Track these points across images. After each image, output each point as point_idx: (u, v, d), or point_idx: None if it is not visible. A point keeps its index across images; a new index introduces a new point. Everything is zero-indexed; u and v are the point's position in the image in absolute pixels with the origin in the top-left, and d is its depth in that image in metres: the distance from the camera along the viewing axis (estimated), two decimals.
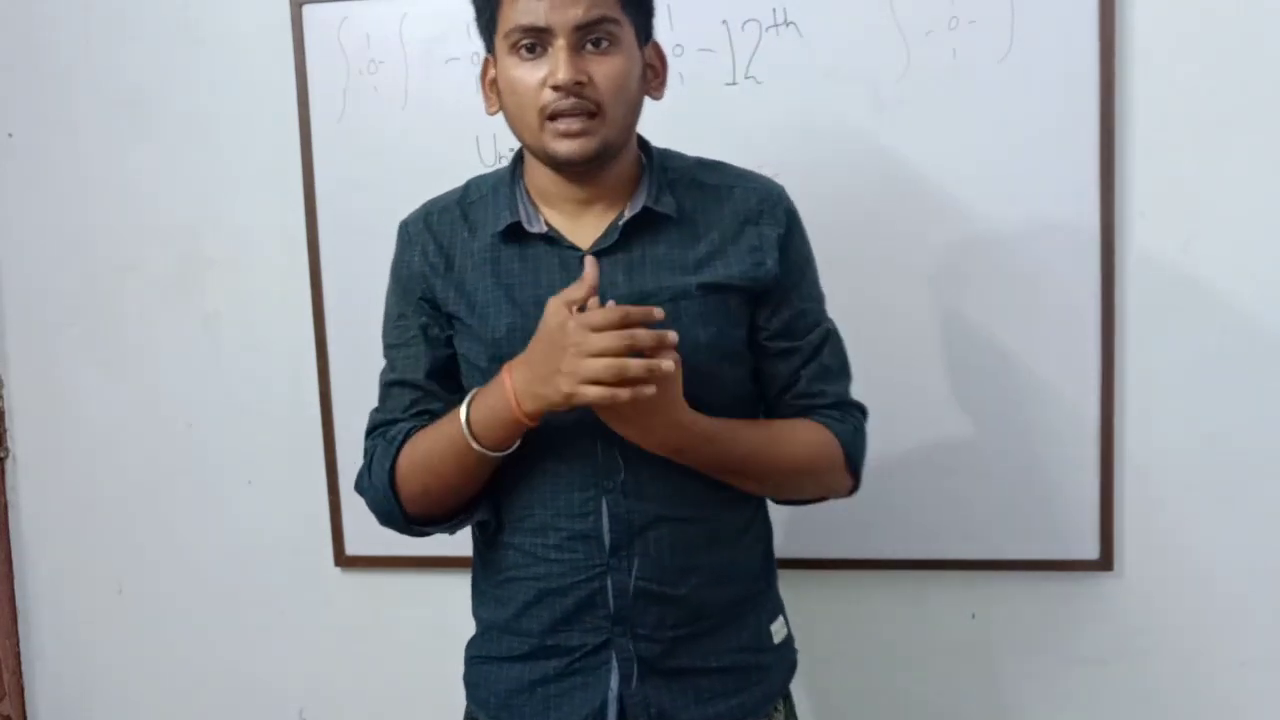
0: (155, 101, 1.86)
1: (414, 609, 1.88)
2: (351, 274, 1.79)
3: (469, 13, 1.67)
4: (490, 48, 1.13)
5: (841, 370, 1.22)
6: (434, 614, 1.87)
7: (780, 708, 1.24)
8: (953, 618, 1.73)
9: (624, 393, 0.98)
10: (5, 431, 2.00)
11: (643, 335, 0.99)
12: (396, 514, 1.17)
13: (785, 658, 1.26)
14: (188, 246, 1.88)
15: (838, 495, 1.24)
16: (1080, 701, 1.72)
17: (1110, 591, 1.68)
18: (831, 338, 1.21)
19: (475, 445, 1.08)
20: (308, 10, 1.74)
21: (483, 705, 1.24)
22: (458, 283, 1.16)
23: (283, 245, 1.82)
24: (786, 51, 1.61)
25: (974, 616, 1.73)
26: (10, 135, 1.92)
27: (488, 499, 1.18)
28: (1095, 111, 1.57)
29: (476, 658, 1.26)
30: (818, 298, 1.22)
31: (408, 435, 1.16)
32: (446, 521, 1.18)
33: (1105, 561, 1.65)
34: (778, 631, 1.24)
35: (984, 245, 1.62)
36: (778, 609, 1.26)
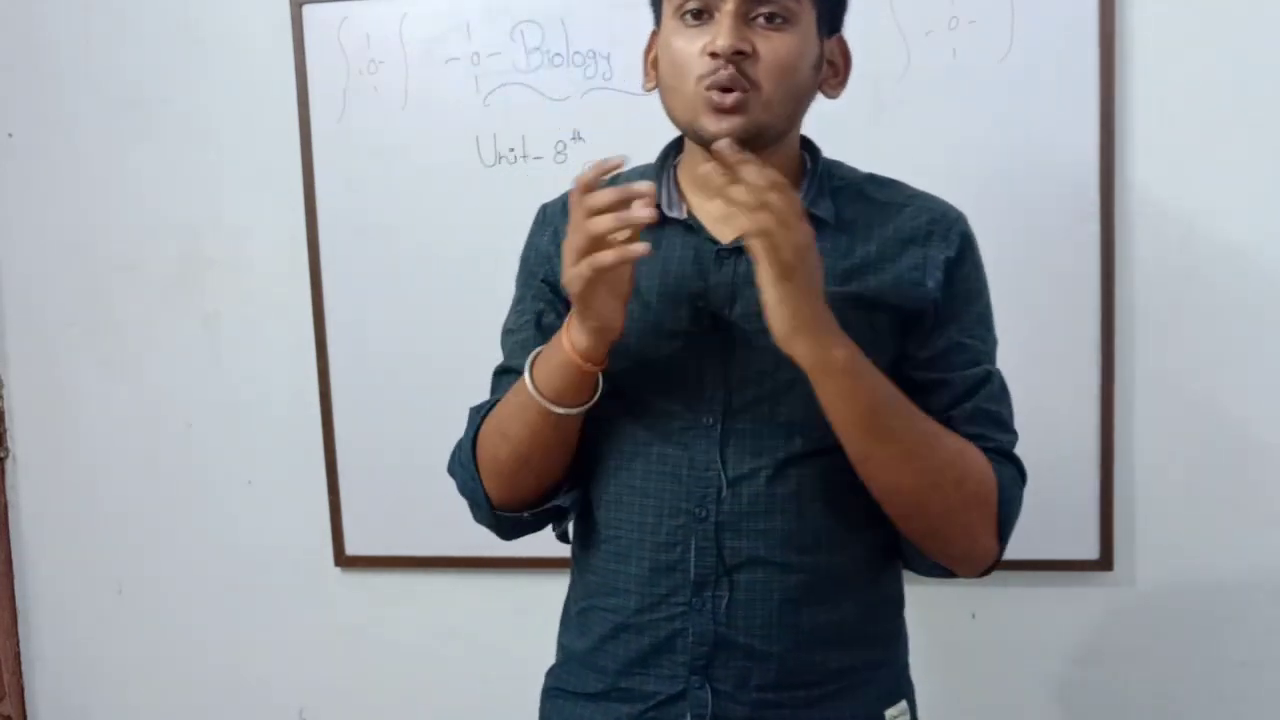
0: (155, 101, 1.86)
1: (414, 609, 1.88)
2: (351, 274, 1.79)
3: (469, 13, 1.70)
4: (657, 19, 1.05)
5: (1002, 422, 1.05)
6: (434, 614, 1.87)
7: None
8: (953, 618, 1.73)
9: (607, 255, 0.89)
10: (5, 431, 2.00)
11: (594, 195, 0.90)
12: (479, 493, 1.07)
13: None
14: (188, 246, 1.88)
15: (974, 563, 1.06)
16: (1080, 701, 1.72)
17: (1110, 591, 1.68)
18: (994, 381, 1.05)
19: (540, 399, 0.98)
20: (308, 10, 1.74)
21: None
22: None
23: (283, 245, 1.82)
24: None
25: (974, 616, 1.73)
26: (10, 135, 1.92)
27: (569, 488, 1.08)
28: (1095, 111, 1.57)
29: (554, 689, 1.15)
30: (984, 338, 1.07)
31: (491, 409, 1.08)
32: (528, 505, 1.08)
33: (1105, 561, 1.65)
34: (894, 718, 1.08)
35: (983, 244, 1.61)
36: (901, 691, 1.11)
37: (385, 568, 1.86)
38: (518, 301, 1.15)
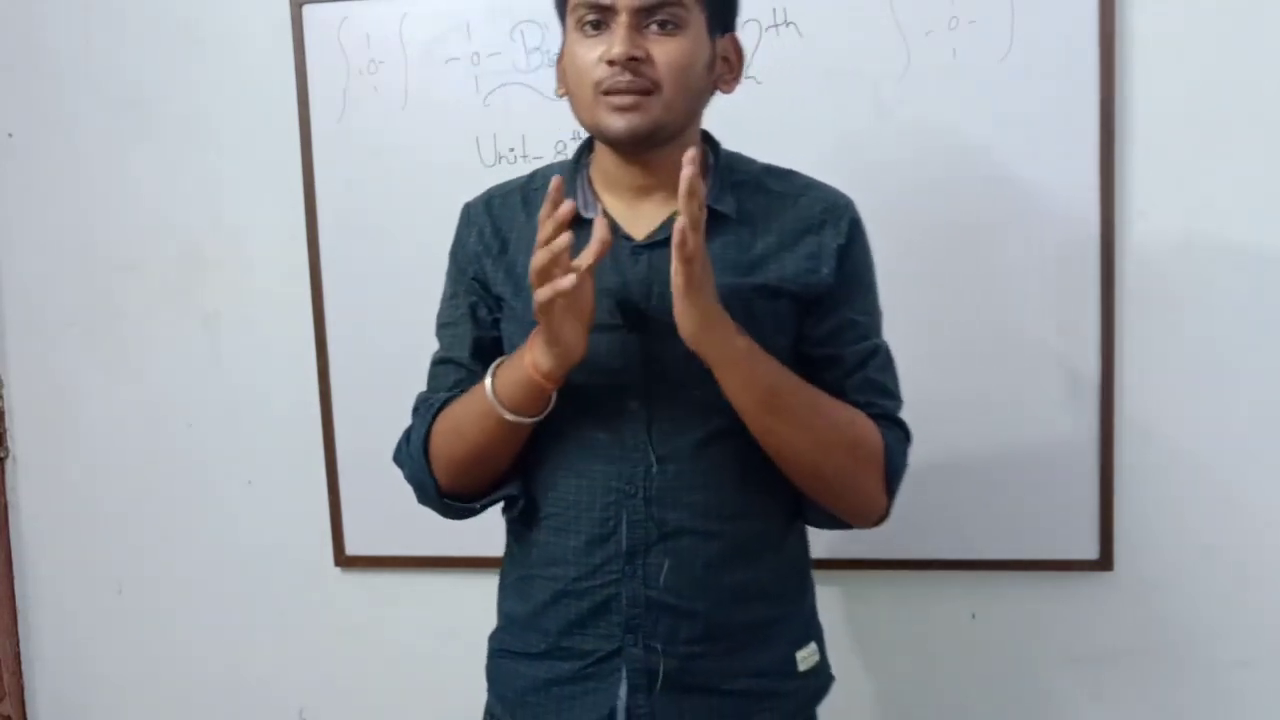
0: (155, 101, 1.86)
1: (414, 609, 1.88)
2: (351, 274, 1.79)
3: (469, 13, 1.70)
4: (563, 24, 1.13)
5: (892, 388, 1.16)
6: (434, 614, 1.87)
7: None
8: (953, 618, 1.73)
9: (564, 281, 0.96)
10: (5, 431, 2.00)
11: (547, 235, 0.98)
12: (430, 485, 1.16)
13: (810, 685, 1.21)
14: (188, 246, 1.88)
15: (868, 516, 1.15)
16: (1080, 701, 1.72)
17: (1110, 591, 1.68)
18: (881, 354, 1.16)
19: (499, 408, 1.07)
20: (308, 10, 1.74)
21: (501, 699, 1.24)
22: (509, 265, 1.16)
23: (283, 245, 1.82)
24: (786, 51, 1.61)
25: (974, 616, 1.73)
26: (10, 135, 1.92)
27: (519, 475, 1.17)
28: (1095, 111, 1.57)
29: (498, 651, 1.25)
30: (871, 313, 1.17)
31: (444, 405, 1.16)
32: (478, 497, 1.17)
33: (1105, 562, 1.65)
34: (805, 659, 1.19)
35: (983, 244, 1.62)
36: (810, 635, 1.22)
37: (385, 568, 1.86)
38: (450, 296, 1.22)
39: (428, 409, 1.17)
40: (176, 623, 1.98)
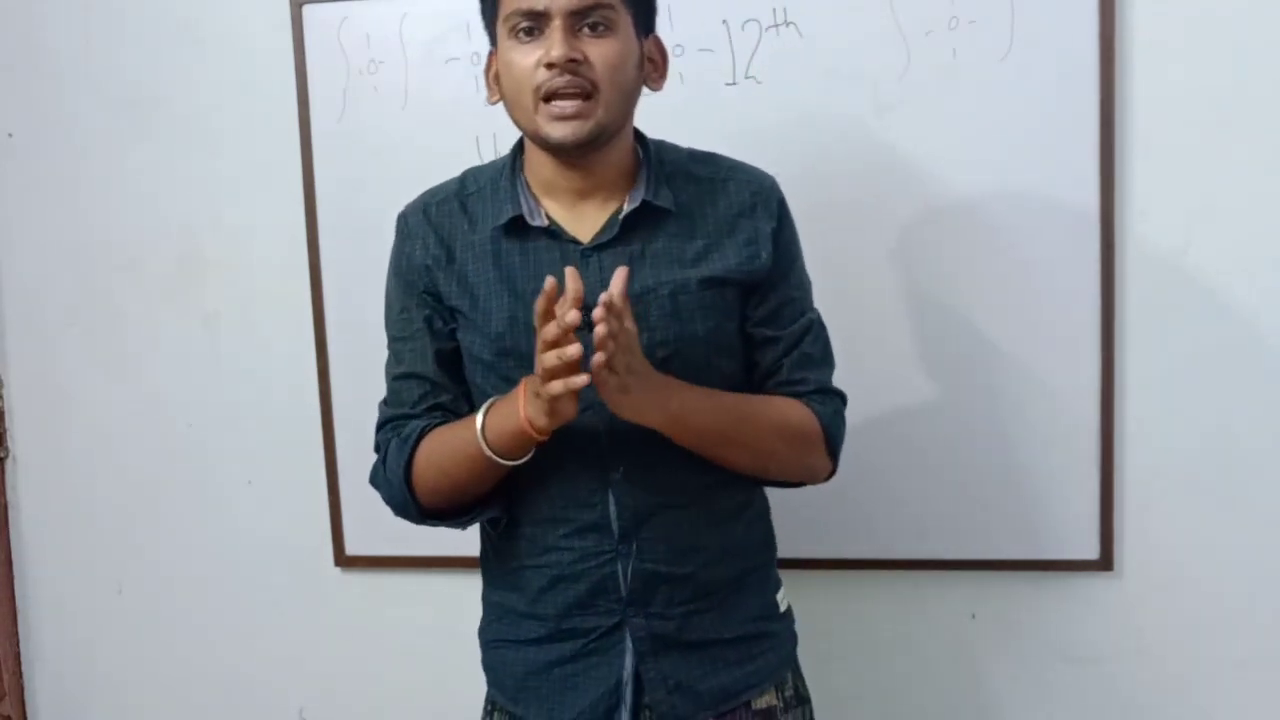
0: (155, 101, 1.86)
1: (414, 609, 1.88)
2: (351, 274, 1.79)
3: (469, 13, 1.68)
4: (493, 39, 1.16)
5: (823, 359, 1.24)
6: (434, 614, 1.87)
7: (789, 678, 1.28)
8: (953, 618, 1.73)
9: (577, 379, 0.99)
10: (5, 431, 2.00)
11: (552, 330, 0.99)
12: (412, 509, 1.19)
13: (790, 627, 1.30)
14: (188, 246, 1.88)
15: (817, 478, 1.26)
16: (1079, 701, 1.72)
17: (1110, 591, 1.68)
18: (814, 327, 1.23)
19: (490, 454, 1.10)
20: (308, 10, 1.74)
21: (500, 688, 1.27)
22: (459, 276, 1.18)
23: (283, 245, 1.82)
24: (786, 51, 1.62)
25: (974, 616, 1.73)
26: (10, 135, 1.92)
27: (501, 497, 1.20)
28: (1095, 111, 1.57)
29: (494, 641, 1.28)
30: (804, 286, 1.25)
31: (423, 433, 1.18)
32: (460, 517, 1.20)
33: (1105, 562, 1.65)
34: (782, 600, 1.29)
35: (984, 245, 1.62)
36: (778, 582, 1.31)
37: (385, 568, 1.86)
38: (402, 310, 1.22)
39: (404, 439, 1.18)
40: (176, 623, 1.98)
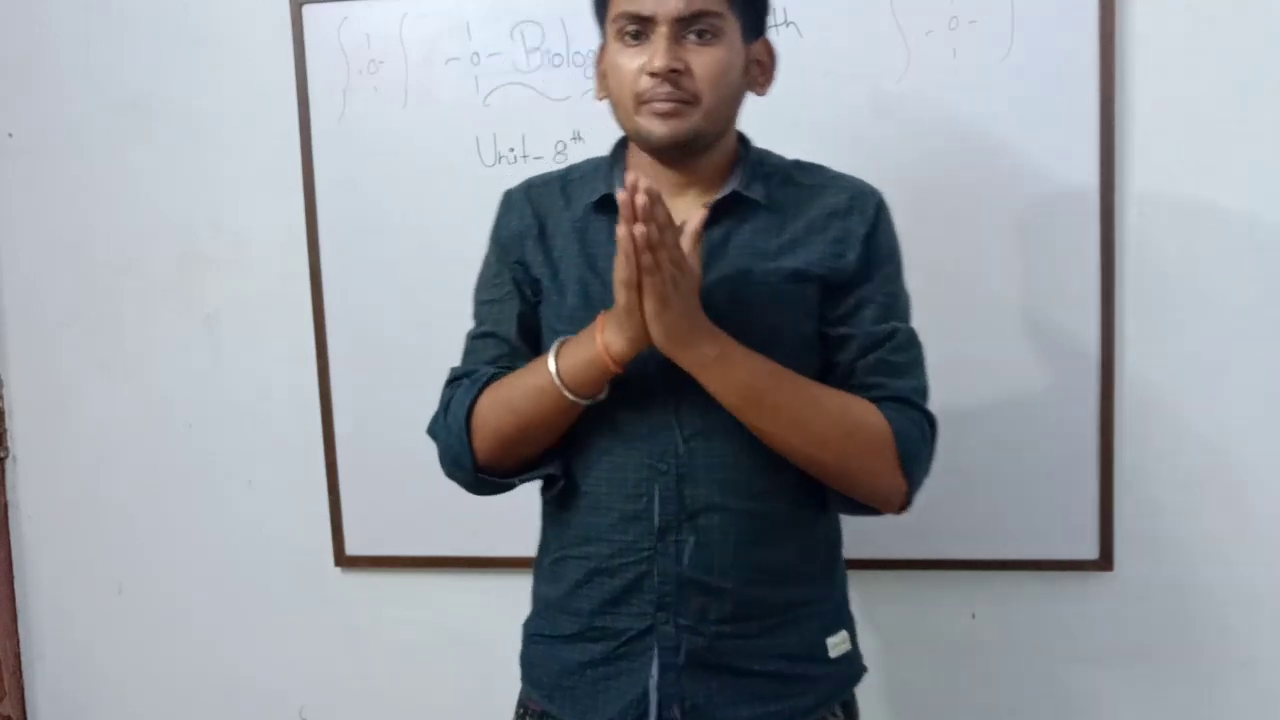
0: (155, 101, 1.86)
1: (414, 609, 1.88)
2: (351, 274, 1.79)
3: (469, 13, 1.70)
4: (602, 34, 1.15)
5: (907, 370, 1.16)
6: (434, 614, 1.87)
7: (839, 713, 1.21)
8: (953, 618, 1.73)
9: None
10: (5, 431, 2.00)
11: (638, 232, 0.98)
12: (466, 457, 1.15)
13: (841, 672, 1.21)
14: (188, 246, 1.88)
15: (888, 501, 1.15)
16: (1080, 701, 1.72)
17: (1110, 591, 1.68)
18: (901, 337, 1.15)
19: (561, 387, 1.08)
20: (308, 10, 1.74)
21: (537, 685, 1.24)
22: (547, 249, 1.19)
23: (283, 245, 1.82)
24: (786, 51, 1.59)
25: (974, 616, 1.73)
26: (10, 135, 1.92)
27: (559, 455, 1.17)
28: (1095, 112, 1.57)
29: (533, 635, 1.26)
30: (893, 295, 1.18)
31: (492, 378, 1.16)
32: (514, 475, 1.17)
33: (1105, 561, 1.65)
34: (835, 646, 1.19)
35: (983, 245, 1.62)
36: (841, 622, 1.22)
37: (385, 568, 1.86)
38: (494, 275, 1.23)
39: (472, 382, 1.17)
40: (176, 623, 1.98)
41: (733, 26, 1.10)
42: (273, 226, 1.83)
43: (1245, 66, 1.56)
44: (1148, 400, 1.63)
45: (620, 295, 1.03)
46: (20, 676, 2.06)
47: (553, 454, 1.17)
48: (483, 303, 1.24)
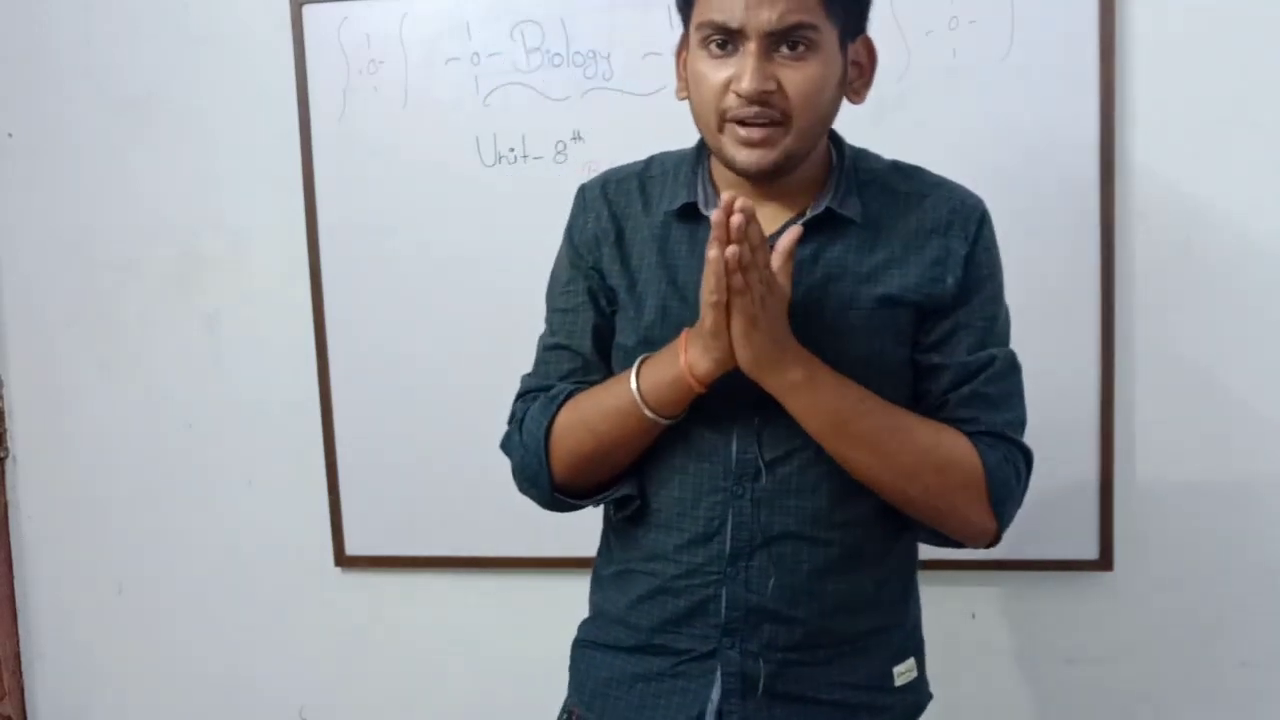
0: (155, 101, 1.86)
1: (414, 609, 1.88)
2: (351, 274, 1.79)
3: (469, 13, 1.70)
4: (685, 26, 1.07)
5: (1004, 402, 1.09)
6: (434, 614, 1.87)
7: None
8: (953, 618, 1.73)
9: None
10: (5, 431, 2.00)
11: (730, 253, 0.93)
12: (543, 476, 1.11)
13: (906, 701, 1.17)
14: (188, 246, 1.88)
15: (976, 537, 1.10)
16: (1080, 701, 1.72)
17: (1110, 591, 1.68)
18: (999, 366, 1.08)
19: (643, 407, 1.04)
20: (308, 10, 1.74)
21: (579, 690, 1.20)
22: (624, 256, 1.12)
23: (283, 245, 1.82)
24: None
25: (974, 616, 1.73)
26: (10, 135, 1.92)
27: (635, 474, 1.13)
28: (1095, 111, 1.57)
29: (584, 641, 1.21)
30: (994, 320, 1.10)
31: (569, 396, 1.11)
32: (590, 495, 1.13)
33: (1105, 561, 1.65)
34: (902, 674, 1.15)
35: None
36: (909, 649, 1.18)
37: (385, 568, 1.86)
38: (567, 282, 1.16)
39: (550, 399, 1.12)
40: (176, 623, 1.98)
41: (830, 36, 1.01)
42: (273, 226, 1.83)
43: (1245, 66, 1.56)
44: (1147, 400, 1.63)
45: (708, 316, 0.98)
46: (20, 676, 2.06)
47: (627, 473, 1.13)
48: (556, 310, 1.17)
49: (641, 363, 1.06)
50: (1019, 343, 1.61)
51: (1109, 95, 1.56)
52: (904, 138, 1.60)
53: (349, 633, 1.91)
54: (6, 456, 2.01)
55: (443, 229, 1.75)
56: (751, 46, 0.98)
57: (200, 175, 1.86)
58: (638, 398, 1.04)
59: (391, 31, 1.72)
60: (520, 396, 1.18)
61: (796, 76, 0.99)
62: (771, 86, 0.99)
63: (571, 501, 1.14)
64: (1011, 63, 1.57)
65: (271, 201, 1.82)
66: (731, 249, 0.92)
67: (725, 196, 0.92)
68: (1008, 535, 1.66)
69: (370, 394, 1.81)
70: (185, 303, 1.89)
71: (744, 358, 1.00)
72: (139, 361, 1.92)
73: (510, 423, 1.17)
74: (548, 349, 1.17)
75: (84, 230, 1.91)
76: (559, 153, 1.69)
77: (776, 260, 0.97)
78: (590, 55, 1.67)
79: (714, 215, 0.92)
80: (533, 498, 1.16)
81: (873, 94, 1.60)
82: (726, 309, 0.97)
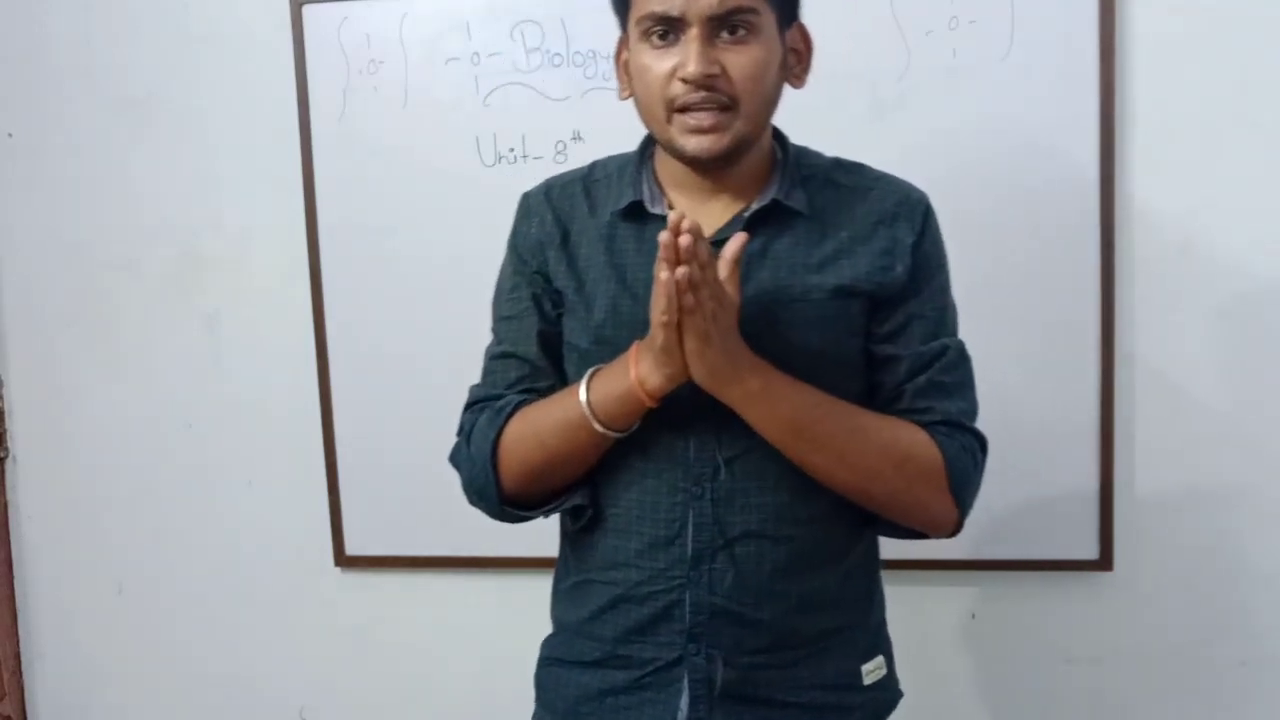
0: (155, 101, 1.86)
1: (414, 609, 1.88)
2: (351, 274, 1.79)
3: (469, 13, 1.70)
4: (623, 25, 1.08)
5: (957, 390, 1.09)
6: (434, 614, 1.87)
7: None
8: (953, 618, 1.73)
9: (687, 319, 0.94)
10: (5, 431, 2.00)
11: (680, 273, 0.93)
12: (491, 489, 1.10)
13: (877, 699, 1.16)
14: (188, 246, 1.88)
15: (939, 527, 1.11)
16: (1080, 701, 1.72)
17: (1110, 591, 1.68)
18: (951, 355, 1.09)
19: (593, 420, 1.03)
20: (308, 10, 1.74)
21: (550, 708, 1.18)
22: (570, 258, 1.11)
23: (283, 245, 1.82)
24: None
25: (974, 616, 1.73)
26: (10, 135, 1.92)
27: (586, 484, 1.12)
28: (1095, 111, 1.57)
29: (549, 659, 1.20)
30: (942, 309, 1.11)
31: (517, 407, 1.10)
32: (540, 506, 1.12)
33: (1105, 561, 1.65)
34: (870, 673, 1.14)
35: (983, 245, 1.62)
36: (877, 647, 1.17)
37: (385, 568, 1.86)
38: (512, 289, 1.16)
39: (496, 411, 1.11)
40: (176, 623, 1.98)
41: (768, 19, 1.02)
42: (273, 226, 1.83)
43: (1245, 66, 1.56)
44: (1147, 400, 1.63)
45: (659, 335, 0.97)
46: (20, 676, 2.06)
47: (579, 483, 1.11)
48: (501, 319, 1.17)
49: (592, 375, 1.05)
50: (1020, 343, 1.63)
51: (1109, 95, 1.56)
52: (904, 138, 1.61)
53: (349, 633, 1.91)
54: (6, 456, 2.01)
55: (443, 229, 1.75)
56: (694, 32, 0.99)
57: (200, 175, 1.86)
58: (587, 411, 1.03)
59: (391, 31, 1.72)
60: (468, 407, 1.16)
61: (740, 59, 1.01)
62: (716, 70, 1.00)
63: (521, 513, 1.13)
64: (1011, 63, 1.57)
65: (271, 201, 1.82)
66: (681, 270, 0.91)
67: (672, 216, 0.91)
68: (1008, 535, 1.67)
69: (370, 394, 1.81)
70: (185, 303, 1.89)
71: (699, 373, 0.99)
72: (139, 361, 1.92)
73: (459, 434, 1.16)
74: (494, 358, 1.16)
75: (84, 230, 1.91)
76: (559, 153, 1.69)
77: (724, 269, 0.96)
78: (590, 55, 1.67)
79: (662, 236, 0.91)
80: (482, 510, 1.15)
81: (873, 94, 1.61)
82: (678, 327, 0.96)
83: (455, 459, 1.15)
